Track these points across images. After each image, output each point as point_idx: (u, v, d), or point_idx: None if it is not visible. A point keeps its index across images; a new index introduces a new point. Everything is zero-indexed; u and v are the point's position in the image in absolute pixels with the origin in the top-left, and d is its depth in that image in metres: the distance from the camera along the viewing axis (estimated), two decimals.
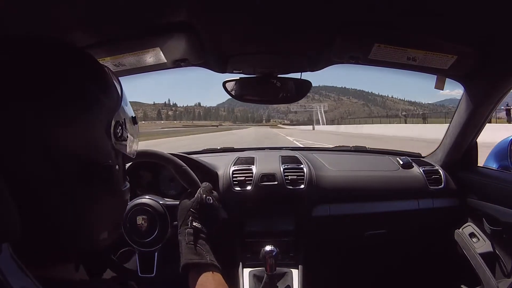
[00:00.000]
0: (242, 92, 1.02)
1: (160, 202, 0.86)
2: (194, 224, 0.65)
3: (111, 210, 0.39)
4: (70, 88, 0.33)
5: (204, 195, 0.71)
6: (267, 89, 1.00)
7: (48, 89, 0.31)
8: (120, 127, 0.38)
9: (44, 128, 0.31)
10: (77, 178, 0.32)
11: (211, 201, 0.71)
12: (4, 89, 0.30)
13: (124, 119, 0.39)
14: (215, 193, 0.76)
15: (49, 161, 0.31)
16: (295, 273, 1.04)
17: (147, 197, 0.88)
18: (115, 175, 0.38)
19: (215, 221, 0.72)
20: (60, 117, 0.32)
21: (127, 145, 0.40)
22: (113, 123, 0.36)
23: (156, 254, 0.84)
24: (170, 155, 0.88)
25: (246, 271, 1.06)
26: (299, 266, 1.06)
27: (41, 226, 0.32)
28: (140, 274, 0.82)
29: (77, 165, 0.32)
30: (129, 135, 0.40)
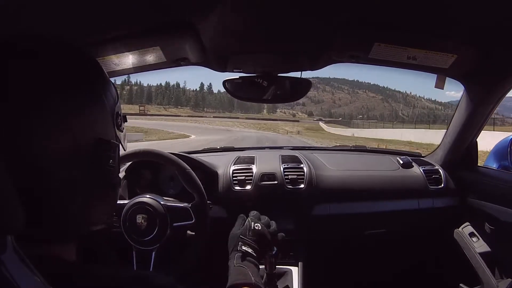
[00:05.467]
0: (242, 91, 1.02)
1: (161, 203, 0.86)
2: (244, 248, 0.66)
3: (111, 192, 0.44)
4: (88, 83, 0.40)
5: (253, 223, 0.71)
6: (267, 88, 1.00)
7: (71, 84, 0.37)
8: (119, 118, 0.44)
9: (69, 117, 0.35)
10: (90, 160, 0.37)
11: (260, 228, 0.71)
12: (35, 83, 0.34)
13: (121, 112, 0.45)
14: (266, 219, 0.75)
15: (74, 146, 0.36)
16: (295, 272, 1.04)
17: (147, 196, 0.88)
18: (117, 155, 0.43)
19: (267, 247, 0.72)
20: (81, 106, 0.37)
21: (122, 136, 0.45)
22: (115, 112, 0.42)
23: (153, 254, 0.84)
24: (174, 156, 0.89)
25: None
26: (299, 265, 1.06)
27: (52, 210, 0.35)
28: None
29: (91, 148, 0.37)
30: (124, 128, 0.46)
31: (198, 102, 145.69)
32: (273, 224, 0.75)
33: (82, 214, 0.38)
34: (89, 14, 0.62)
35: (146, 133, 18.63)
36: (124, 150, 0.48)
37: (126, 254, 0.84)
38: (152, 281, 0.36)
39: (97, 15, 0.64)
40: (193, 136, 19.73)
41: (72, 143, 0.36)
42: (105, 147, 0.39)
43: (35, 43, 0.37)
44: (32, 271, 0.28)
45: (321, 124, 64.04)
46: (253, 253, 0.67)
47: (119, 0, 0.60)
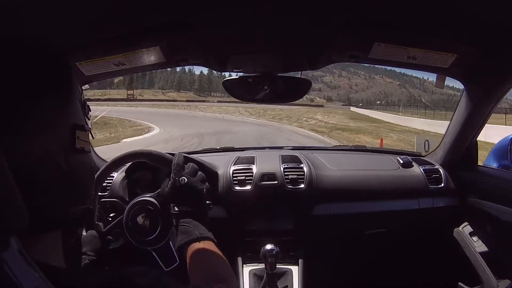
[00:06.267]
0: (241, 91, 1.02)
1: (155, 197, 0.86)
2: (177, 208, 0.66)
3: (94, 173, 0.50)
4: (63, 82, 0.43)
5: (176, 178, 0.68)
6: (266, 88, 1.00)
7: (49, 85, 0.40)
8: (86, 106, 0.48)
9: (52, 114, 0.39)
10: (72, 147, 0.41)
11: (185, 181, 0.68)
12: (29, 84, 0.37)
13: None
14: (191, 168, 0.72)
15: (58, 139, 0.39)
16: (295, 272, 1.04)
17: (147, 195, 0.88)
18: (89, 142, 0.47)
19: (198, 198, 0.69)
20: (61, 103, 0.41)
21: (90, 123, 0.49)
22: (82, 102, 0.47)
23: (170, 243, 0.84)
24: (140, 149, 0.89)
25: (246, 270, 1.06)
26: (299, 265, 1.06)
27: (42, 201, 0.37)
28: (166, 269, 0.81)
29: (71, 133, 0.41)
30: (90, 116, 0.50)
31: (203, 85, 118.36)
32: (198, 172, 0.72)
33: (69, 200, 0.41)
34: (88, 15, 0.62)
35: (104, 125, 14.87)
36: (93, 138, 0.51)
37: (139, 255, 0.84)
38: (135, 281, 0.37)
39: (96, 16, 0.64)
40: (154, 132, 13.83)
41: (56, 136, 0.39)
42: (81, 133, 0.43)
43: None
44: (36, 270, 0.28)
45: (357, 109, 43.24)
46: (187, 209, 0.66)
47: (118, 0, 0.60)
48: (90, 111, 0.50)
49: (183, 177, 0.68)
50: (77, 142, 0.41)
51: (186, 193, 0.68)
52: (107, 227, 0.83)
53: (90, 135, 0.47)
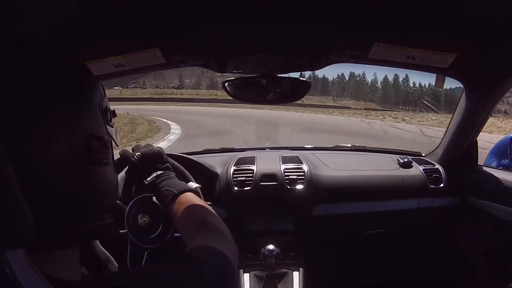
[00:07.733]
0: (241, 92, 1.01)
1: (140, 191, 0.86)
2: (149, 179, 0.68)
3: (114, 185, 0.44)
4: (74, 84, 0.39)
5: (131, 159, 0.71)
6: (266, 89, 0.99)
7: (57, 87, 0.36)
8: (109, 113, 0.43)
9: (61, 121, 0.35)
10: (87, 158, 0.37)
11: (140, 155, 0.70)
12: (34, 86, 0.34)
13: (109, 107, 0.44)
14: (136, 147, 0.76)
15: (70, 149, 0.35)
16: (296, 273, 1.04)
17: (147, 194, 0.88)
18: (111, 151, 0.43)
19: (159, 158, 0.71)
20: (72, 108, 0.37)
21: (114, 131, 0.45)
22: (103, 108, 0.42)
23: None
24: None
25: (247, 271, 1.06)
26: (300, 265, 1.06)
27: (53, 213, 0.34)
28: None
29: (86, 146, 0.37)
30: (114, 123, 0.45)
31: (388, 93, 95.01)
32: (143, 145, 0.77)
33: (84, 214, 0.38)
34: (87, 16, 0.62)
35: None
36: (117, 146, 0.47)
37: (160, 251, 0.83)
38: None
39: (95, 17, 0.64)
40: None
41: (67, 145, 0.35)
42: (99, 144, 0.39)
43: None
44: (45, 283, 0.28)
45: None
46: (158, 173, 0.68)
47: (117, 1, 0.60)
48: (115, 116, 0.45)
49: (135, 154, 0.71)
50: (94, 153, 0.37)
51: (147, 162, 0.70)
52: (128, 261, 0.83)
53: (114, 143, 0.43)
